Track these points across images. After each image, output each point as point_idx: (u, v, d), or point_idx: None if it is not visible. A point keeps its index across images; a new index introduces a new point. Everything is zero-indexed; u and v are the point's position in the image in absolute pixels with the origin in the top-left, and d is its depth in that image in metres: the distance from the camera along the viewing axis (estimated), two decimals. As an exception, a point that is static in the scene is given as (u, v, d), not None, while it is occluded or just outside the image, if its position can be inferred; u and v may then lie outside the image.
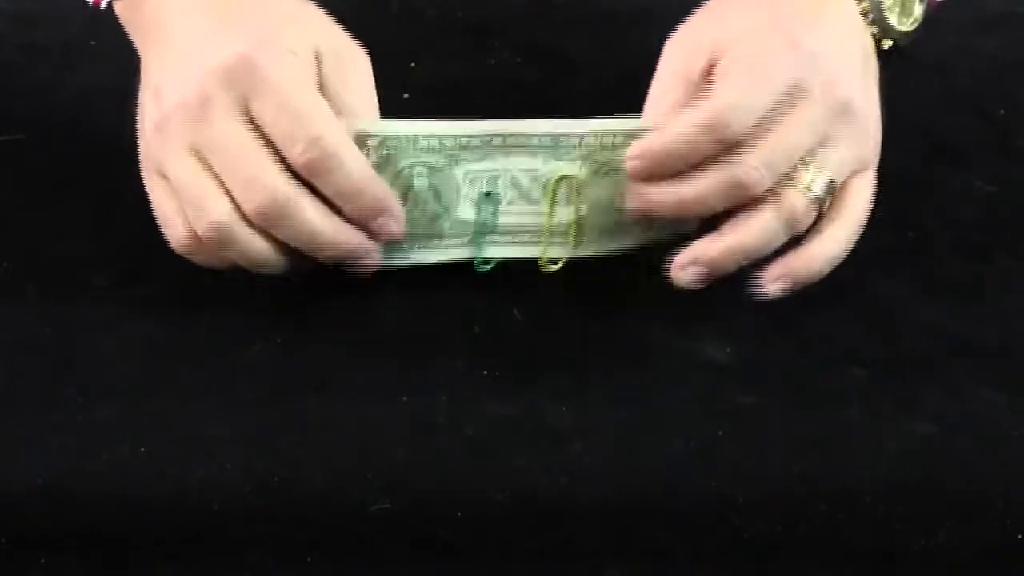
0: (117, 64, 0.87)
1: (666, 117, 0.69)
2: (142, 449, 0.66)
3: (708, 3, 0.72)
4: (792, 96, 0.68)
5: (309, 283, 0.73)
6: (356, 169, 0.68)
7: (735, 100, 0.68)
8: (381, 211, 0.69)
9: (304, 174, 0.67)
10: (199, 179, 0.68)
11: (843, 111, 0.70)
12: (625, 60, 0.88)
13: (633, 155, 0.69)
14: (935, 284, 0.76)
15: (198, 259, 0.70)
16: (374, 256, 0.70)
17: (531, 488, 0.65)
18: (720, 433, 0.67)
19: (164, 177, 0.69)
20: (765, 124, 0.68)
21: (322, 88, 0.68)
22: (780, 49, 0.69)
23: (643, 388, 0.70)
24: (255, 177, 0.67)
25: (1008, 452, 0.67)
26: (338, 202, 0.68)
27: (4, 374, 0.69)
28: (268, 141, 0.67)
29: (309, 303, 0.73)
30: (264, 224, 0.68)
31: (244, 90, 0.67)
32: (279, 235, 0.68)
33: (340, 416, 0.68)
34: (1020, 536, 0.65)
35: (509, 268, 0.73)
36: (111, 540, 0.63)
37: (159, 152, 0.69)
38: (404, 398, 0.68)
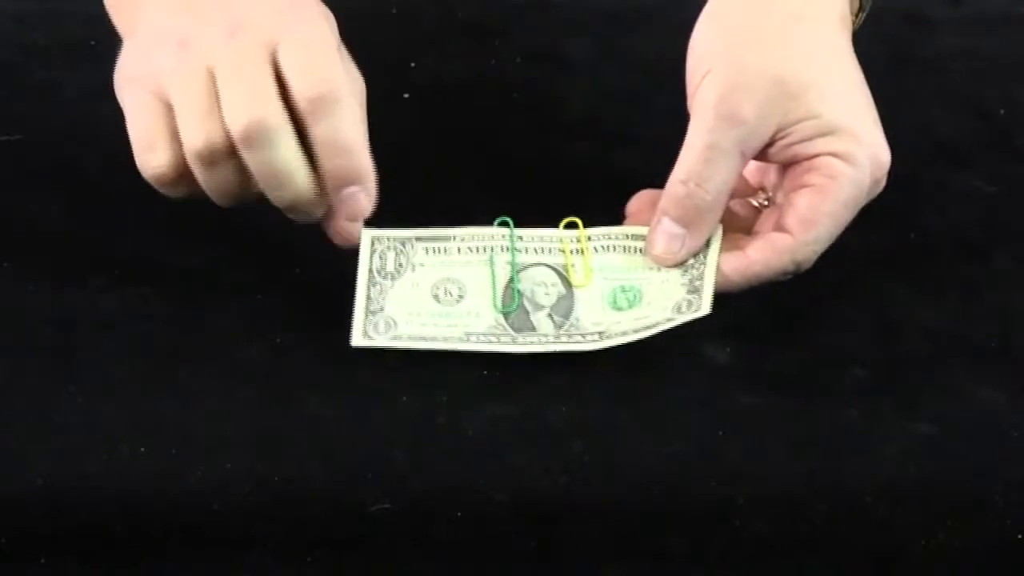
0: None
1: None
2: (142, 449, 0.66)
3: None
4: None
5: (308, 283, 0.73)
6: (353, 126, 0.68)
7: (816, 236, 0.69)
8: (359, 179, 0.69)
9: (306, 110, 0.67)
10: (207, 96, 0.67)
11: (879, 180, 0.71)
12: (625, 60, 0.88)
13: (729, 275, 0.70)
14: (935, 284, 0.75)
15: (165, 190, 0.70)
16: (318, 214, 0.70)
17: (531, 488, 0.65)
18: (720, 433, 0.67)
19: (158, 97, 0.69)
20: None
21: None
22: (862, 164, 0.69)
23: (643, 388, 0.69)
24: (256, 96, 0.66)
25: (1008, 452, 0.67)
26: (324, 154, 0.68)
27: (4, 374, 0.69)
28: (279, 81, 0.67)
29: (309, 303, 0.73)
30: (243, 143, 0.67)
31: (279, 30, 0.67)
32: (250, 160, 0.67)
33: (340, 416, 0.68)
34: (1020, 536, 0.65)
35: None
36: (111, 540, 0.63)
37: (172, 64, 0.68)
38: (404, 398, 0.68)
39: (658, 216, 0.70)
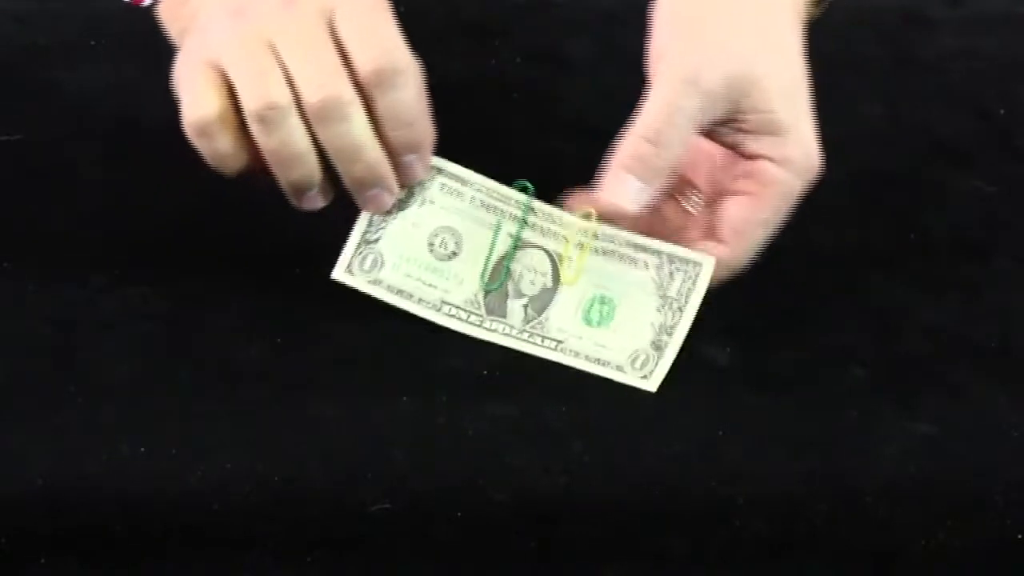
0: (117, 64, 0.88)
1: None
2: (142, 449, 0.66)
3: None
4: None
5: (308, 283, 0.73)
6: (417, 95, 0.68)
7: (750, 245, 0.70)
8: (419, 147, 0.69)
9: (370, 82, 0.67)
10: (266, 59, 0.67)
11: (811, 183, 0.71)
12: (625, 60, 0.88)
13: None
14: (935, 284, 0.75)
15: (204, 143, 0.68)
16: (389, 200, 0.70)
17: (531, 488, 0.65)
18: (720, 433, 0.67)
19: (211, 65, 0.68)
20: None
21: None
22: (797, 171, 0.70)
23: (643, 388, 0.69)
24: (326, 70, 0.67)
25: (1008, 452, 0.67)
26: (388, 125, 0.68)
27: (4, 374, 0.69)
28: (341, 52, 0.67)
29: (309, 303, 0.73)
30: (319, 118, 0.67)
31: (333, 3, 0.67)
32: (324, 134, 0.67)
33: (340, 416, 0.68)
34: (1020, 536, 0.65)
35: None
36: (111, 540, 0.63)
37: (227, 33, 0.68)
38: (404, 398, 0.68)
39: (615, 168, 0.70)
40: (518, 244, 0.71)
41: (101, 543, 0.63)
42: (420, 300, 0.70)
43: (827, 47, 0.89)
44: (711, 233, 0.70)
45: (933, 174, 0.82)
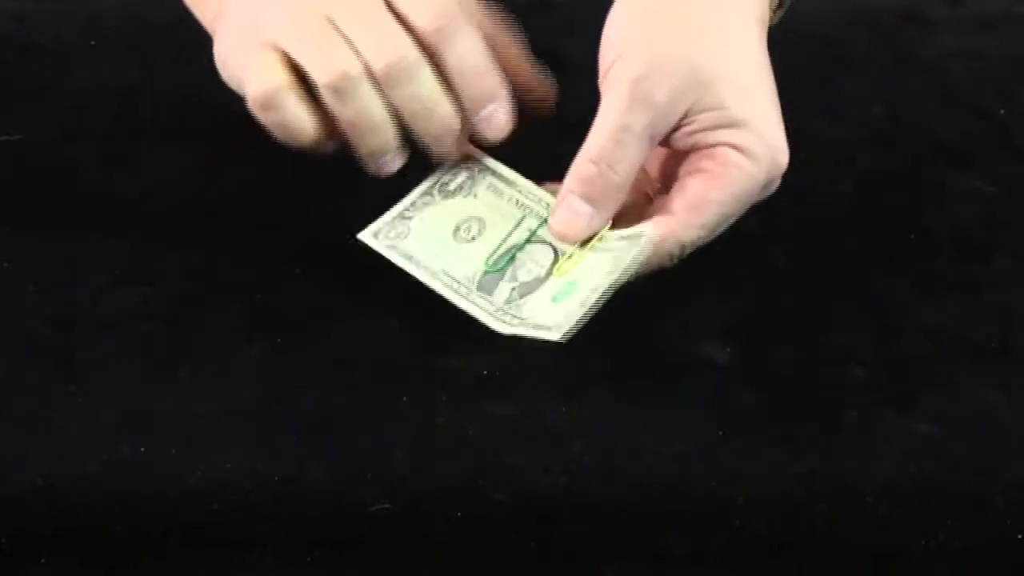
0: (117, 64, 0.88)
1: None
2: (142, 449, 0.66)
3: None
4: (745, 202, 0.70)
5: (308, 283, 0.73)
6: (481, 47, 0.69)
7: (701, 221, 0.69)
8: (496, 97, 0.70)
9: (434, 40, 0.68)
10: (328, 32, 0.68)
11: (773, 181, 0.71)
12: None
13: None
14: (935, 284, 0.75)
15: (272, 116, 0.69)
16: (458, 152, 0.71)
17: (531, 488, 0.65)
18: (720, 433, 0.67)
19: (271, 47, 0.69)
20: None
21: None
22: (759, 160, 0.69)
23: (643, 388, 0.70)
24: (388, 36, 0.68)
25: (1008, 452, 0.67)
26: (462, 79, 0.69)
27: (4, 374, 0.69)
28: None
29: (309, 303, 0.73)
30: (388, 82, 0.68)
31: None
32: (397, 98, 0.68)
33: (340, 416, 0.68)
34: (1020, 536, 0.65)
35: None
36: (111, 540, 0.63)
37: (280, 14, 0.69)
38: (404, 398, 0.68)
39: (564, 193, 0.70)
40: (532, 238, 0.71)
41: (101, 543, 0.63)
42: (424, 267, 0.70)
43: (827, 47, 0.90)
44: (667, 209, 0.70)
45: (933, 174, 0.82)
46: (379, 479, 0.65)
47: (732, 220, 0.70)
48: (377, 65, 0.68)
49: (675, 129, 0.69)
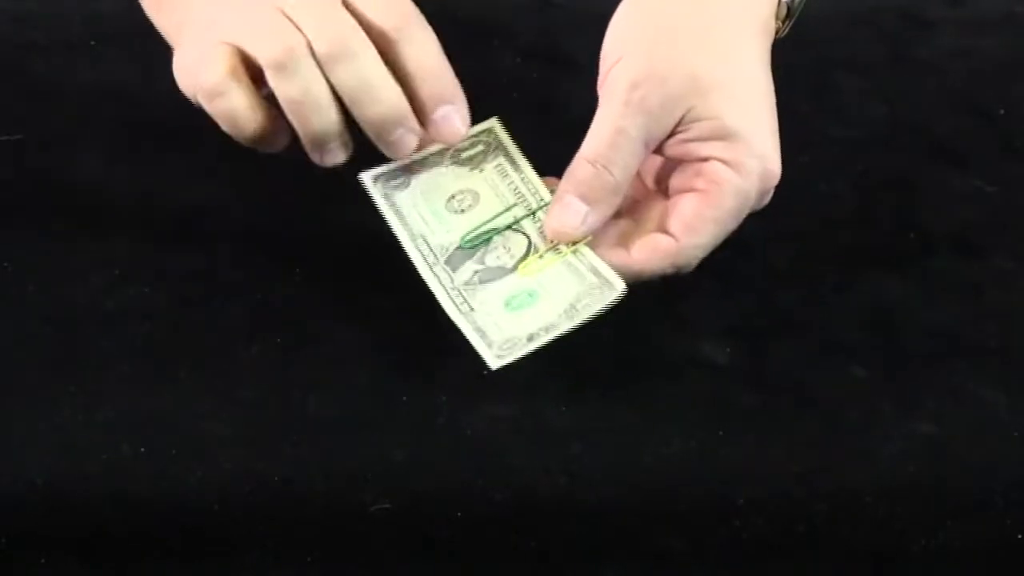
0: (117, 64, 0.88)
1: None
2: (142, 449, 0.66)
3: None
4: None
5: (308, 283, 0.73)
6: (437, 51, 0.69)
7: (698, 242, 0.69)
8: (451, 99, 0.70)
9: (390, 38, 0.68)
10: (277, 18, 0.68)
11: (767, 192, 0.71)
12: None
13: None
14: (935, 284, 0.76)
15: (218, 105, 0.68)
16: (413, 141, 0.70)
17: (531, 488, 0.65)
18: (720, 433, 0.67)
19: (222, 41, 0.68)
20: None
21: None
22: (750, 174, 0.69)
23: (643, 388, 0.70)
24: (334, 19, 0.67)
25: (1008, 452, 0.67)
26: (417, 78, 0.69)
27: (4, 374, 0.69)
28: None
29: (309, 303, 0.73)
30: (330, 60, 0.67)
31: None
32: (338, 77, 0.68)
33: (340, 416, 0.68)
34: (1020, 536, 0.65)
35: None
36: (111, 540, 0.63)
37: (237, 13, 0.69)
38: (404, 398, 0.69)
39: (561, 192, 0.70)
40: (514, 226, 0.71)
41: (101, 543, 0.63)
42: (407, 227, 0.71)
43: (827, 47, 0.90)
44: (664, 227, 0.70)
45: (933, 174, 0.82)
46: (379, 479, 0.65)
47: (728, 233, 0.70)
48: (319, 43, 0.67)
49: (669, 136, 0.69)
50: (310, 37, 0.67)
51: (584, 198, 0.70)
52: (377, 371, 0.70)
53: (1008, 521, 0.65)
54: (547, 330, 0.67)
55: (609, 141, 0.69)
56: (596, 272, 0.69)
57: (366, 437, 0.67)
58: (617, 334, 0.72)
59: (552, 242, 0.70)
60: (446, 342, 0.71)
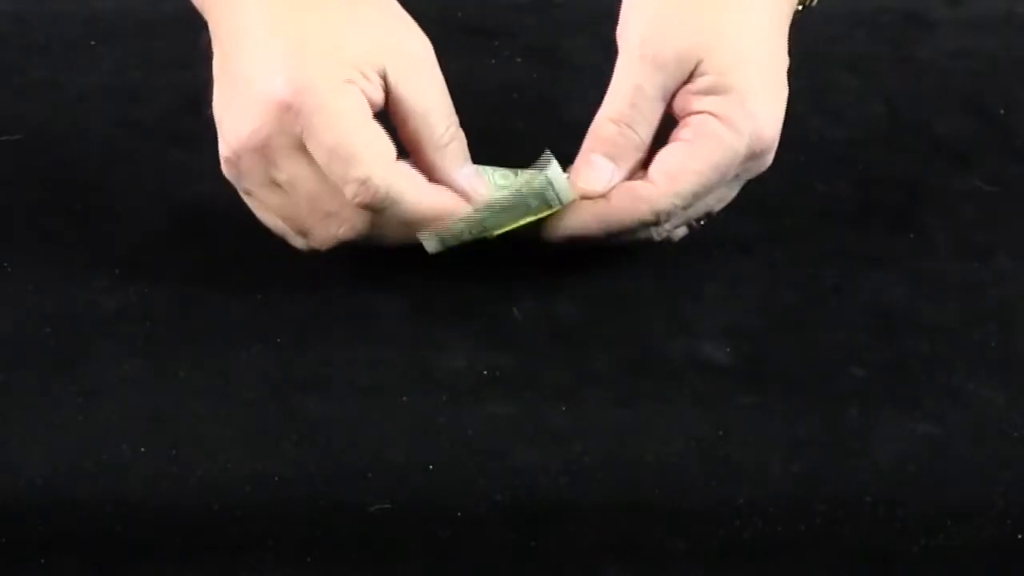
0: (117, 64, 0.88)
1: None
2: (142, 449, 0.66)
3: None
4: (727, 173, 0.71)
5: (308, 283, 0.73)
6: (412, 200, 0.68)
7: (677, 190, 0.69)
8: (451, 212, 0.69)
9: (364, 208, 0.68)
10: (291, 211, 0.69)
11: (759, 155, 0.71)
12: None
13: (588, 220, 0.71)
14: (935, 284, 0.75)
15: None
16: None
17: (531, 488, 0.65)
18: (720, 433, 0.67)
19: (253, 198, 0.71)
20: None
21: (392, 94, 0.68)
22: (739, 131, 0.69)
23: (643, 388, 0.70)
24: (332, 213, 0.68)
25: (1008, 452, 0.67)
26: (406, 226, 0.69)
27: (4, 374, 0.69)
28: None
29: (309, 303, 0.73)
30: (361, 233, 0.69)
31: (296, 131, 0.67)
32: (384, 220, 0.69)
33: (340, 416, 0.68)
34: (1020, 536, 0.65)
35: (509, 265, 0.73)
36: (111, 540, 0.63)
37: (241, 182, 0.70)
38: (404, 398, 0.69)
39: (586, 152, 0.71)
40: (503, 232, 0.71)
41: (101, 543, 0.63)
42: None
43: (827, 47, 0.90)
44: (646, 175, 0.70)
45: (933, 174, 0.82)
46: (379, 479, 0.65)
47: (710, 190, 0.70)
48: (339, 234, 0.70)
49: (677, 89, 0.70)
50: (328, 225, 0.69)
51: (609, 156, 0.71)
52: (377, 371, 0.70)
53: (1008, 521, 0.65)
54: (481, 211, 0.70)
55: (630, 100, 0.70)
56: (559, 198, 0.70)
57: (366, 437, 0.67)
58: (617, 334, 0.72)
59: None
60: (446, 342, 0.71)
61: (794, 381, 0.70)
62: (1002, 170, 0.83)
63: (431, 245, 0.70)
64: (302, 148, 0.67)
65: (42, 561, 0.63)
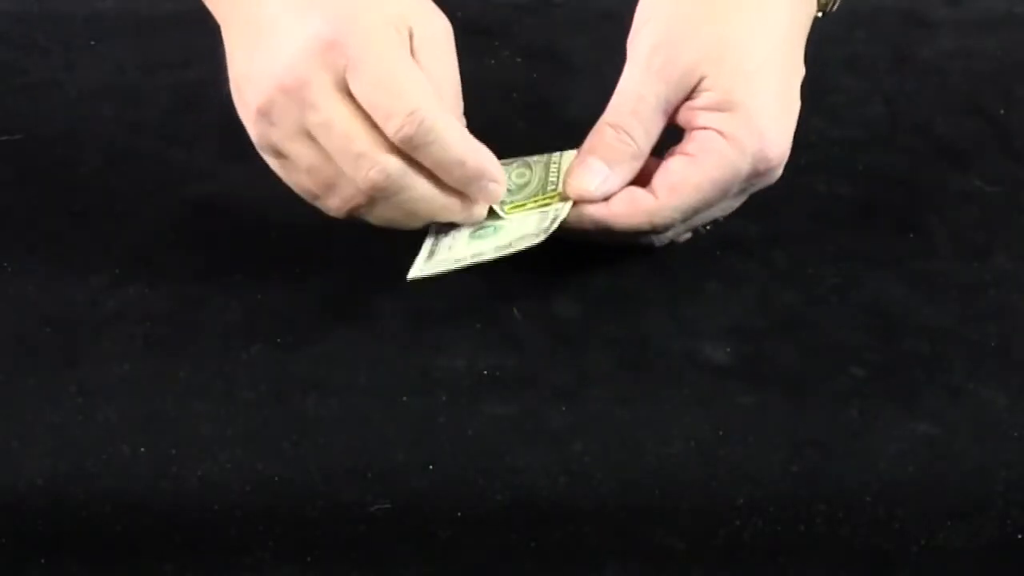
0: (117, 64, 0.88)
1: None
2: (142, 449, 0.66)
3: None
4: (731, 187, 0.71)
5: (308, 283, 0.73)
6: (454, 140, 0.68)
7: (677, 204, 0.70)
8: (481, 177, 0.69)
9: (403, 148, 0.67)
10: (319, 162, 0.68)
11: (764, 173, 0.71)
12: (625, 60, 0.88)
13: (583, 220, 0.71)
14: (935, 284, 0.75)
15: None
16: (475, 216, 0.71)
17: (531, 488, 0.65)
18: (720, 433, 0.67)
19: (282, 155, 0.69)
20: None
21: (413, 57, 0.68)
22: (743, 150, 0.69)
23: (643, 388, 0.70)
24: (364, 154, 0.67)
25: (1008, 452, 0.67)
26: (438, 173, 0.68)
27: (4, 374, 0.69)
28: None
29: (309, 303, 0.73)
30: (376, 196, 0.68)
31: (340, 67, 0.66)
32: (387, 206, 0.69)
33: (340, 416, 0.68)
34: (1020, 536, 0.65)
35: (509, 265, 0.73)
36: (111, 540, 0.63)
37: (270, 136, 0.69)
38: (404, 398, 0.69)
39: (584, 154, 0.71)
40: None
41: (101, 543, 0.63)
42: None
43: (827, 47, 0.90)
44: (648, 185, 0.71)
45: (933, 174, 0.82)
46: (379, 479, 0.65)
47: (711, 204, 0.70)
48: (361, 186, 0.68)
49: (681, 102, 0.71)
50: (352, 176, 0.68)
51: (605, 160, 0.71)
52: (377, 371, 0.70)
53: (1008, 521, 0.65)
54: (475, 256, 0.69)
55: (631, 108, 0.71)
56: (554, 220, 0.70)
57: (366, 437, 0.67)
58: (617, 334, 0.72)
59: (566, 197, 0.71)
60: (446, 342, 0.71)
61: (794, 381, 0.70)
62: (1002, 170, 0.83)
63: (418, 270, 0.70)
64: (341, 87, 0.67)
65: (42, 561, 0.63)
